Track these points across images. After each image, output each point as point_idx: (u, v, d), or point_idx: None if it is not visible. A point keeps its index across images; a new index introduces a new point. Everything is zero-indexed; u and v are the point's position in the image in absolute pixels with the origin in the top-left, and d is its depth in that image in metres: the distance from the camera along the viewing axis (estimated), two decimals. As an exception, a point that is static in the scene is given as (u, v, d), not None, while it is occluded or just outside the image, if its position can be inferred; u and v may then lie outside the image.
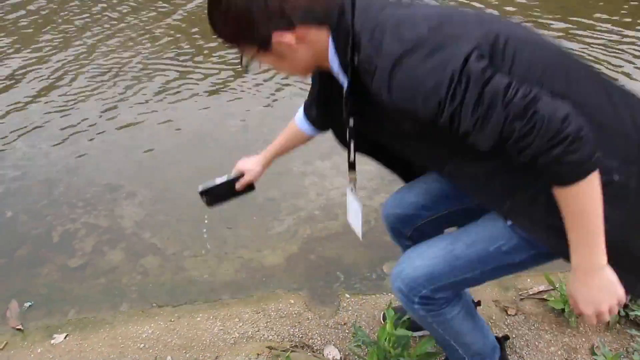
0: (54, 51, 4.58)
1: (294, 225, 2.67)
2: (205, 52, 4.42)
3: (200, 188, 1.68)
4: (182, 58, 4.36)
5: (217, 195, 1.70)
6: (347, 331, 2.02)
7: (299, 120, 1.66)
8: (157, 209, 2.82)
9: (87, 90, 3.95)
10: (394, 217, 1.64)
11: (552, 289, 2.13)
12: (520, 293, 2.14)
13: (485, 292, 2.14)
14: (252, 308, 2.16)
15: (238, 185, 1.71)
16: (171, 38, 4.72)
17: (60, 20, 5.21)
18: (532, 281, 2.21)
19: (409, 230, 1.63)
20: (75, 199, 2.91)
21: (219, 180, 1.69)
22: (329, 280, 2.34)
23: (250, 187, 1.73)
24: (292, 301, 2.19)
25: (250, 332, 2.03)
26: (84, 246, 2.60)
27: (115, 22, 5.09)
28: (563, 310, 2.01)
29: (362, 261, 2.43)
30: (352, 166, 1.43)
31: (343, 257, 2.46)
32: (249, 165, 1.73)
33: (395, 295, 1.39)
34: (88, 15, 5.32)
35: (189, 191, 2.93)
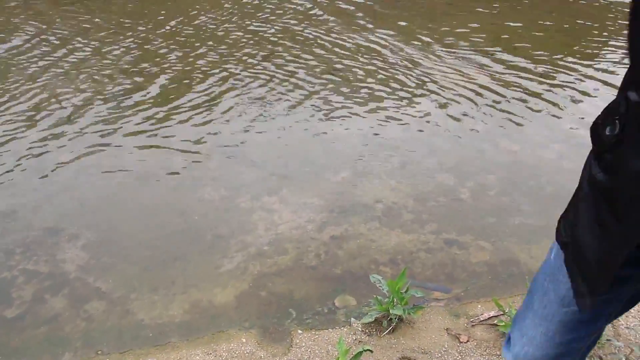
0: (-11, 92, 4.43)
1: (244, 262, 2.63)
2: (146, 90, 4.37)
3: None
4: (122, 97, 4.30)
5: None
6: (301, 368, 1.99)
7: None
8: (101, 251, 2.73)
9: (20, 130, 3.83)
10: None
11: (502, 314, 2.16)
12: (471, 320, 2.17)
13: (437, 321, 2.15)
14: (203, 349, 2.10)
15: None
16: (109, 76, 4.65)
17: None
18: (482, 307, 2.24)
19: None
20: (13, 245, 2.79)
21: None
22: (281, 316, 2.30)
23: None
24: (244, 340, 2.15)
25: (201, 375, 1.98)
26: (23, 294, 2.48)
27: (52, 59, 4.99)
28: (512, 334, 2.04)
29: (314, 295, 2.42)
30: None
31: (294, 292, 2.44)
32: None
33: None
34: (19, 52, 5.19)
35: (134, 231, 2.86)
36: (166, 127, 3.83)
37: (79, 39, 5.22)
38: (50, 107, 4.11)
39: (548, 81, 4.47)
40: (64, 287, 2.51)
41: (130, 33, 5.32)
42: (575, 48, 5.16)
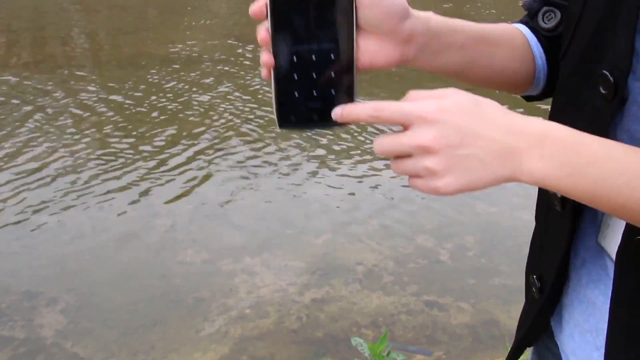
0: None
1: (225, 326, 2.61)
2: (126, 150, 4.42)
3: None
4: (104, 157, 4.33)
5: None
6: None
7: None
8: (80, 315, 2.70)
9: None
10: None
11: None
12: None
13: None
14: (182, 417, 2.06)
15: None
16: (92, 136, 4.70)
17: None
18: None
19: None
20: (-10, 309, 2.74)
21: None
22: (262, 381, 2.28)
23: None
24: (225, 406, 2.12)
25: None
26: (-2, 360, 2.43)
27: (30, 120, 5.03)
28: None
29: (295, 359, 2.40)
30: None
31: (275, 356, 2.42)
32: None
33: None
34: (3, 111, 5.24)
35: (114, 294, 2.84)
36: (149, 189, 3.85)
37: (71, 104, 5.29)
38: (29, 168, 4.12)
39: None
40: (39, 353, 2.46)
41: (114, 84, 5.41)
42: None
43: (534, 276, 0.78)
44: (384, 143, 0.60)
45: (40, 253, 3.18)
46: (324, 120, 0.65)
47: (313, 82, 0.64)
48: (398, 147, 0.59)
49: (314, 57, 0.63)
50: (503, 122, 0.57)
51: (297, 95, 0.65)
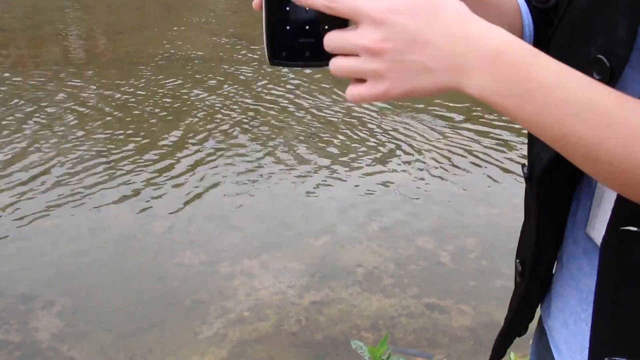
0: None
1: (223, 328, 2.58)
2: (125, 153, 4.39)
3: None
4: (103, 159, 4.30)
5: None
6: None
7: None
8: (77, 318, 2.66)
9: None
10: None
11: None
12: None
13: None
14: (180, 422, 2.03)
15: None
16: (89, 137, 4.67)
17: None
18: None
19: None
20: (-15, 312, 2.71)
21: None
22: (261, 385, 2.25)
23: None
24: (223, 411, 2.09)
25: None
26: (-7, 364, 2.40)
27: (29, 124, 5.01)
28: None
29: (295, 362, 2.37)
30: None
31: (274, 359, 2.39)
32: None
33: None
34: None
35: (111, 297, 2.80)
36: (147, 190, 3.82)
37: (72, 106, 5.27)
38: (27, 170, 4.09)
39: (525, 143, 4.59)
40: (35, 357, 2.43)
41: (120, 96, 5.38)
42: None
43: (517, 261, 0.80)
44: (332, 37, 0.57)
45: (36, 255, 3.15)
46: (317, 57, 0.61)
47: (306, 15, 0.61)
48: (344, 43, 0.55)
49: None
50: (458, 29, 0.53)
51: (289, 29, 0.61)
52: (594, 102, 0.51)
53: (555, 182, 0.67)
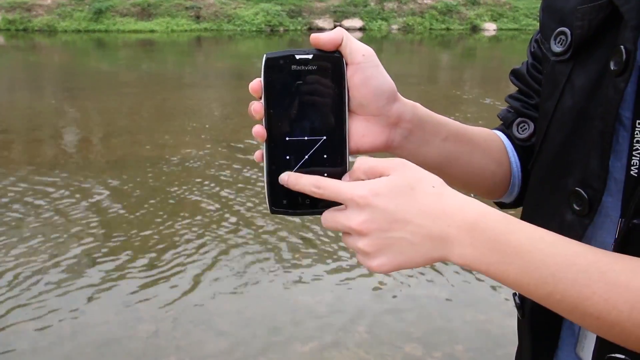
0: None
1: None
2: (110, 254, 4.38)
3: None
4: (87, 258, 4.28)
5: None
6: None
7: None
8: None
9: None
10: None
11: None
12: None
13: None
14: None
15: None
16: (76, 238, 4.66)
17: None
18: None
19: None
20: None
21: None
22: None
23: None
24: None
25: None
26: None
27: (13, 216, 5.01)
28: None
29: None
30: None
31: None
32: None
33: None
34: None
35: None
36: (133, 290, 3.78)
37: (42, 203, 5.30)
38: (6, 270, 4.05)
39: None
40: None
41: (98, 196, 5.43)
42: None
43: None
44: (326, 217, 0.63)
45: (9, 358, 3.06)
46: (316, 205, 0.65)
47: (305, 164, 0.64)
48: (336, 225, 0.62)
49: (306, 138, 0.64)
50: (435, 207, 0.58)
51: None
52: (570, 262, 0.54)
53: (547, 310, 0.68)
